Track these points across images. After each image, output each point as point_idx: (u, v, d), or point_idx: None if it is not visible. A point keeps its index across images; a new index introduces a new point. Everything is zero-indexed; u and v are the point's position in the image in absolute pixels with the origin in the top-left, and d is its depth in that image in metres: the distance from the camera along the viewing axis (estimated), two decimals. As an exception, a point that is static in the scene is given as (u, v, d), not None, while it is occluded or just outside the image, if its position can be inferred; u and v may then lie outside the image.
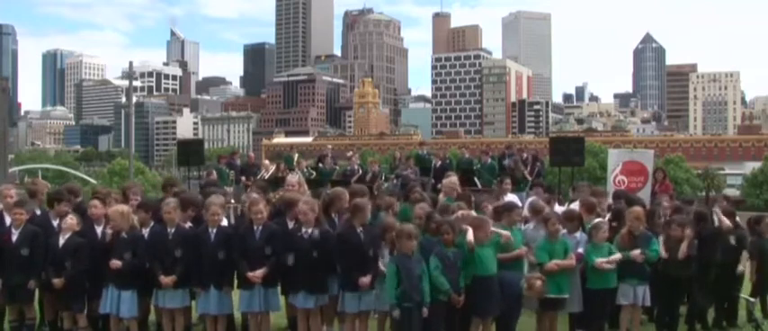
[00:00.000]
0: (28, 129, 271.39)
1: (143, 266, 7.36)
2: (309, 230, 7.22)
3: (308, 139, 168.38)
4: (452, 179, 10.22)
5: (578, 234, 8.05)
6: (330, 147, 24.53)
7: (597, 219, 8.21)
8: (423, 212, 7.60)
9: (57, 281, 7.24)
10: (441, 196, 9.94)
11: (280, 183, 15.01)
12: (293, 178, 9.76)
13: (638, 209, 8.27)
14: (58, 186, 11.49)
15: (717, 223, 8.91)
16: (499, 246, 7.31)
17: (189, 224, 7.70)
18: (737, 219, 9.47)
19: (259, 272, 7.15)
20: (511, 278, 7.16)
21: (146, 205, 7.94)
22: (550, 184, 14.51)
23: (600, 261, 7.62)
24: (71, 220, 7.43)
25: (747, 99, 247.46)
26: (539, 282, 6.98)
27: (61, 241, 7.39)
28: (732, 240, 8.92)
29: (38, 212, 8.11)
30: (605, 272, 7.72)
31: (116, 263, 7.18)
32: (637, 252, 7.76)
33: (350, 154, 19.42)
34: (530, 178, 16.31)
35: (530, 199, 10.50)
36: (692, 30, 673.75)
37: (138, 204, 7.94)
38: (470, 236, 6.92)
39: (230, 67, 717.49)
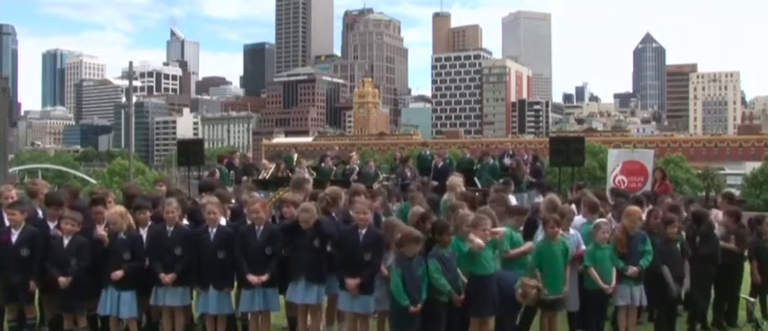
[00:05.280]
0: (28, 129, 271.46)
1: (142, 267, 7.37)
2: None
3: (308, 139, 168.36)
4: (456, 179, 10.37)
5: (572, 231, 8.08)
6: (337, 148, 24.50)
7: (598, 219, 8.21)
8: (417, 214, 7.62)
9: (63, 280, 7.23)
10: (445, 196, 10.04)
11: (280, 183, 15.03)
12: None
13: (635, 208, 8.28)
14: (57, 186, 11.50)
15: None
16: (496, 245, 7.33)
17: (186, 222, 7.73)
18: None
19: (262, 278, 7.16)
20: (509, 278, 7.16)
21: (145, 204, 7.95)
22: (550, 184, 14.51)
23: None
24: (71, 227, 7.40)
25: (747, 99, 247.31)
26: (534, 292, 6.96)
27: (65, 241, 7.39)
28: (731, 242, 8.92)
29: (40, 213, 8.10)
30: (604, 272, 7.73)
31: (117, 273, 7.20)
32: (634, 269, 7.78)
33: (352, 155, 19.42)
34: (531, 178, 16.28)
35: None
36: (692, 30, 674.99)
37: (136, 204, 7.94)
38: (478, 241, 6.93)
39: (230, 67, 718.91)
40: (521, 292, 6.94)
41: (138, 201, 8.12)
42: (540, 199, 11.35)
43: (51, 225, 7.82)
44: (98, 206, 7.96)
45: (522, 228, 8.11)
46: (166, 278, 7.24)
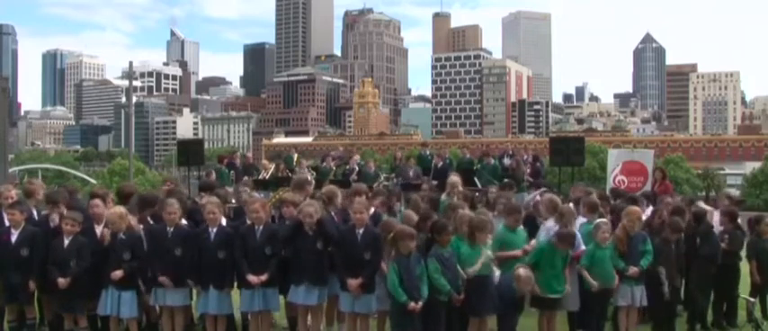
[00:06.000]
0: (28, 129, 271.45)
1: (142, 267, 7.37)
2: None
3: (308, 139, 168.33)
4: (455, 179, 10.39)
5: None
6: (340, 148, 24.45)
7: (598, 219, 8.21)
8: (412, 220, 7.61)
9: (62, 281, 7.22)
10: (444, 195, 10.04)
11: (280, 183, 15.03)
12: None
13: (635, 208, 8.29)
14: (56, 187, 11.53)
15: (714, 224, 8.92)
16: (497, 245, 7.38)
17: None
18: (739, 219, 9.44)
19: (262, 278, 7.15)
20: (508, 279, 7.18)
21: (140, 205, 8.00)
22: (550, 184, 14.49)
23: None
24: (72, 227, 7.41)
25: (747, 99, 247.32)
26: (522, 270, 7.00)
27: (66, 242, 7.39)
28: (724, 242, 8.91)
29: (34, 213, 8.10)
30: (605, 272, 7.72)
31: (117, 273, 7.21)
32: (634, 269, 7.78)
33: (356, 157, 19.42)
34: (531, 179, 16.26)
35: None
36: (692, 30, 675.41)
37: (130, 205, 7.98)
38: (474, 269, 6.95)
39: (230, 67, 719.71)
40: (515, 280, 6.98)
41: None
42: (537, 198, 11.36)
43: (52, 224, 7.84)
44: (95, 199, 7.97)
45: (521, 228, 8.11)
46: (167, 281, 7.25)
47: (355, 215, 7.27)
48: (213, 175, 15.92)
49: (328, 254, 7.31)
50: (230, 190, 13.49)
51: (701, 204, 10.26)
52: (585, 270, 7.74)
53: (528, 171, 16.60)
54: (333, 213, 7.85)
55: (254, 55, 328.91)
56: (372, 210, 8.24)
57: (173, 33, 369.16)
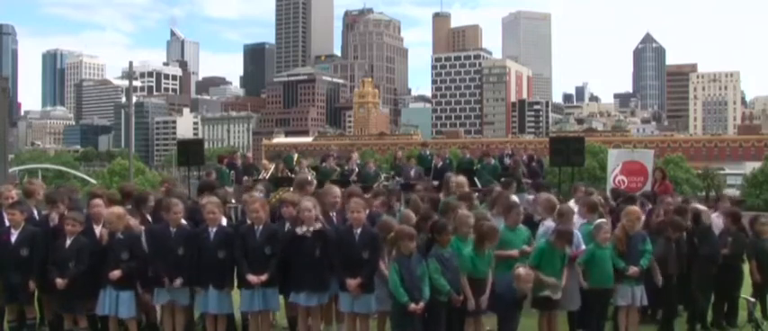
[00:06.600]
0: (28, 129, 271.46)
1: (141, 266, 7.36)
2: (310, 228, 7.21)
3: (308, 139, 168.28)
4: (461, 179, 10.38)
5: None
6: (335, 148, 24.47)
7: (599, 220, 8.21)
8: (410, 220, 7.61)
9: (60, 282, 7.22)
10: (442, 195, 10.03)
11: (280, 183, 15.02)
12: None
13: (634, 208, 8.30)
14: (56, 187, 11.53)
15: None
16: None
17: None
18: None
19: (262, 277, 7.14)
20: (506, 279, 7.18)
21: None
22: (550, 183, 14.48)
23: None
24: (73, 228, 7.41)
25: (747, 99, 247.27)
26: (521, 269, 7.01)
27: (67, 242, 7.39)
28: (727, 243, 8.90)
29: (34, 213, 8.10)
30: (605, 272, 7.71)
31: (115, 273, 7.20)
32: (634, 269, 7.77)
33: (353, 155, 19.40)
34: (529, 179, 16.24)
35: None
36: (692, 30, 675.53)
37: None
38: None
39: (230, 67, 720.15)
40: (514, 280, 7.00)
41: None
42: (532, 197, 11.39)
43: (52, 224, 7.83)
44: (95, 199, 7.98)
45: (522, 227, 8.10)
46: (174, 283, 7.25)
47: (352, 214, 7.27)
48: (213, 175, 15.91)
49: (328, 259, 7.31)
50: (230, 190, 13.52)
51: (696, 204, 10.26)
52: (583, 268, 7.74)
53: (525, 171, 16.57)
54: (332, 214, 7.85)
55: (254, 55, 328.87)
56: (370, 210, 8.24)
57: (173, 33, 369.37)
